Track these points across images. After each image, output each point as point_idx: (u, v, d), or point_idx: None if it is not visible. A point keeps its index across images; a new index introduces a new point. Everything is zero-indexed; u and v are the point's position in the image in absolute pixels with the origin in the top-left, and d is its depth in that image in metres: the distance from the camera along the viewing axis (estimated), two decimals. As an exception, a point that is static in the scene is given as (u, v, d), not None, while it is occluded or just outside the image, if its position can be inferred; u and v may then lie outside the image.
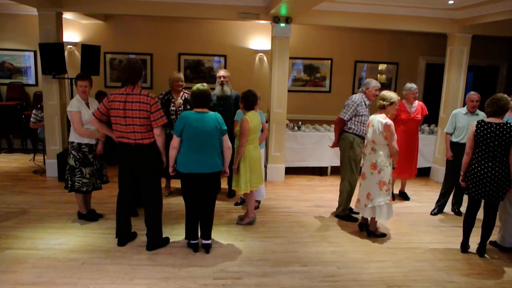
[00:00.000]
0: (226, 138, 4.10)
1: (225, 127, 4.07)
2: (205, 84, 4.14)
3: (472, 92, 5.34)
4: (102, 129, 4.19)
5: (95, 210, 4.99)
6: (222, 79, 5.76)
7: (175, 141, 3.97)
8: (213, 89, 5.43)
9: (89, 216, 4.86)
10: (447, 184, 5.55)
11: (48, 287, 3.46)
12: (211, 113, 4.05)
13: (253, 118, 4.65)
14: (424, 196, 6.36)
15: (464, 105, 5.53)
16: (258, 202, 5.54)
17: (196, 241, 4.22)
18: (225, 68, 8.56)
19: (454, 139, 5.37)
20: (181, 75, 5.65)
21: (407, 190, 6.31)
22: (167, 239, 4.36)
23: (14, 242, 4.25)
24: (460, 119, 5.31)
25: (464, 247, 4.41)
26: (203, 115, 3.99)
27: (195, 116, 3.97)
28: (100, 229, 4.63)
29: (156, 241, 4.21)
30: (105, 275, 3.65)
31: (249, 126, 4.55)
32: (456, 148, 5.30)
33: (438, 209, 5.60)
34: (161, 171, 4.17)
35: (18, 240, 4.30)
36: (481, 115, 5.21)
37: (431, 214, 5.56)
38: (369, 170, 4.59)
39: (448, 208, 5.65)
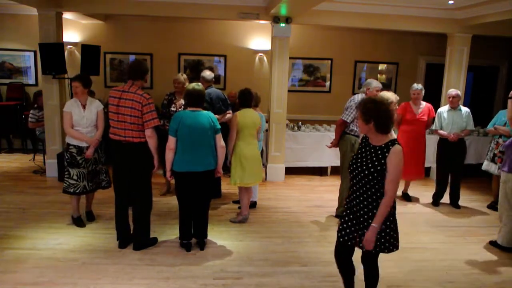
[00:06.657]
0: (219, 137, 4.11)
1: (219, 126, 4.10)
2: (200, 83, 4.17)
3: (450, 90, 5.88)
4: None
5: (92, 212, 4.91)
6: None
7: (171, 142, 3.97)
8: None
9: (77, 221, 4.69)
10: (440, 182, 5.88)
11: (48, 287, 3.46)
12: (204, 111, 4.07)
13: (245, 115, 4.74)
14: (424, 196, 6.34)
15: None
16: (254, 202, 5.53)
17: (188, 241, 4.22)
18: (225, 68, 8.59)
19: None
20: (181, 77, 5.55)
21: (408, 191, 6.29)
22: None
23: (14, 242, 4.25)
24: (446, 116, 5.71)
25: None
26: (197, 113, 4.01)
27: (189, 115, 3.99)
28: (100, 229, 4.63)
29: (143, 241, 4.19)
30: (105, 275, 3.65)
31: (237, 121, 4.66)
32: (445, 142, 5.67)
33: (436, 200, 5.92)
34: (150, 172, 4.14)
35: (18, 240, 4.30)
36: (464, 110, 5.67)
37: (432, 204, 5.91)
38: None
39: (448, 207, 5.66)
